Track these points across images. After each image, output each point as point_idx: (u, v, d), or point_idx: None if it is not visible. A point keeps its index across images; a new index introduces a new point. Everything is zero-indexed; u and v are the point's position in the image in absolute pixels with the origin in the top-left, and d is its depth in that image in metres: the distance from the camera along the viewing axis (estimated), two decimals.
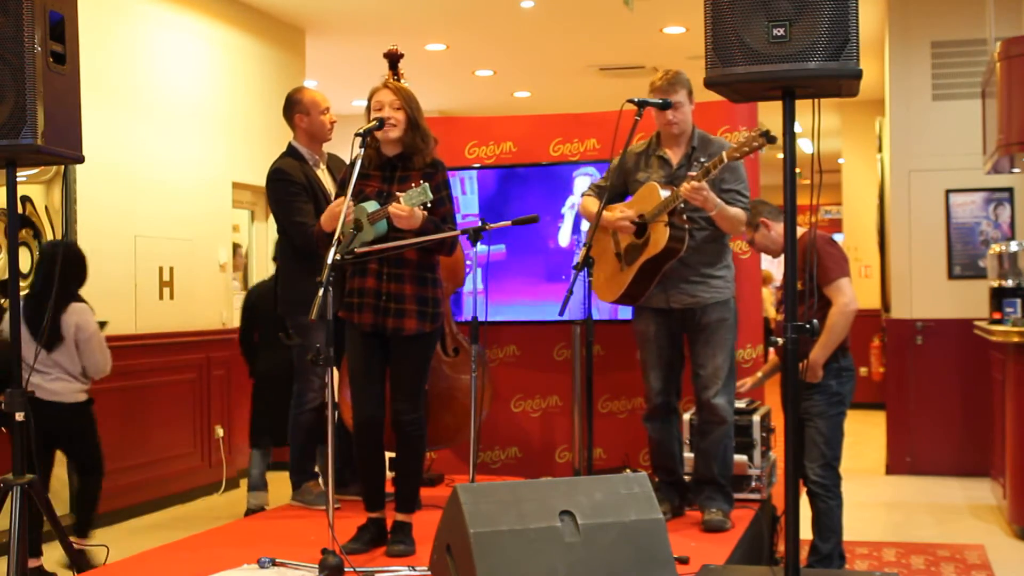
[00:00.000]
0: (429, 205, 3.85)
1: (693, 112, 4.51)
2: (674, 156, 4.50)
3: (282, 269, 5.04)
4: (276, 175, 4.89)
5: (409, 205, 3.81)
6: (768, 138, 3.97)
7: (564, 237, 5.59)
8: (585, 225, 4.29)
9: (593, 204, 4.54)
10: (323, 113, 5.02)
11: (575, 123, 5.84)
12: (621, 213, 4.45)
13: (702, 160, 4.28)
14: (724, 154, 4.13)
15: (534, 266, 5.65)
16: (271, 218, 8.67)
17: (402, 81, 5.12)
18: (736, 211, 4.37)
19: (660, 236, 4.32)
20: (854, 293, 4.70)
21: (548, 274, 5.59)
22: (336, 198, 4.32)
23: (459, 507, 3.00)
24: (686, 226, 4.34)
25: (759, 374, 5.12)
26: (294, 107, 5.04)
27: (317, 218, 4.74)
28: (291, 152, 5.01)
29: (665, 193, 4.32)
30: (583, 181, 5.48)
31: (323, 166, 5.05)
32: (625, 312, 5.34)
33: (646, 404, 4.64)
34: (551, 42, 9.74)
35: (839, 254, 4.78)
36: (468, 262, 5.24)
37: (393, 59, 5.18)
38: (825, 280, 4.64)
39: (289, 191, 4.83)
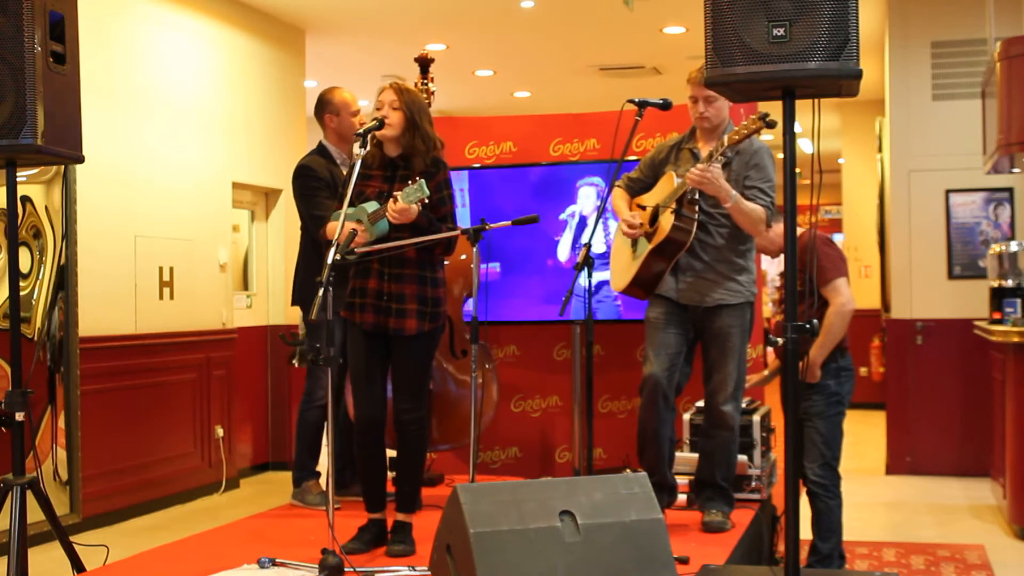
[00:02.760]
0: (427, 201, 3.86)
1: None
2: (704, 150, 4.37)
3: (301, 264, 5.12)
4: (302, 171, 5.01)
5: (406, 202, 3.83)
6: (767, 122, 3.94)
7: (563, 251, 5.48)
8: (586, 237, 4.27)
9: (621, 198, 4.54)
10: (353, 114, 5.14)
11: (575, 123, 5.84)
12: (630, 212, 4.44)
13: (728, 153, 4.18)
14: (725, 137, 4.09)
15: (530, 287, 5.54)
16: (271, 218, 8.72)
17: (430, 85, 5.20)
18: (754, 207, 4.23)
19: (665, 224, 4.28)
20: (851, 293, 4.69)
21: (546, 296, 5.48)
22: (338, 196, 4.34)
23: (459, 507, 2.99)
24: (695, 216, 4.25)
25: (765, 372, 5.12)
26: (325, 107, 5.14)
27: None
28: (320, 151, 5.12)
29: (678, 181, 4.28)
30: (588, 192, 5.43)
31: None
32: (625, 312, 5.35)
33: (640, 387, 4.44)
34: (551, 42, 9.73)
35: (836, 254, 4.77)
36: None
37: (424, 63, 5.32)
38: (822, 280, 4.63)
39: (311, 185, 4.93)
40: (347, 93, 5.18)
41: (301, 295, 5.07)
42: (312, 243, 4.93)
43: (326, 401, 5.00)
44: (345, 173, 4.99)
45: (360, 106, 5.22)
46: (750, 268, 4.46)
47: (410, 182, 3.89)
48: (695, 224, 4.26)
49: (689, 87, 4.37)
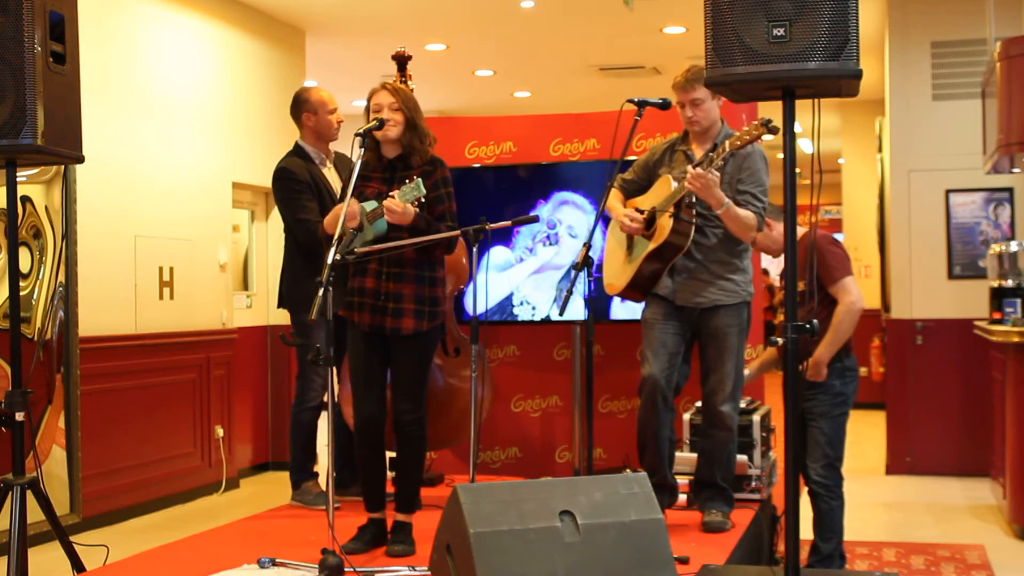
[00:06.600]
0: (423, 200, 3.85)
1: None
2: (698, 152, 4.37)
3: (286, 267, 5.09)
4: (281, 174, 4.95)
5: (403, 200, 3.82)
6: (770, 128, 3.93)
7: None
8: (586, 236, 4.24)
9: (616, 198, 4.52)
10: (330, 113, 5.07)
11: (575, 123, 5.83)
12: (627, 209, 4.44)
13: (726, 157, 4.16)
14: (727, 143, 4.08)
15: None
16: (271, 218, 8.71)
17: (409, 83, 5.15)
18: (745, 213, 4.23)
19: (663, 229, 4.27)
20: (860, 292, 4.70)
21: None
22: (338, 200, 4.34)
23: (459, 507, 3.00)
24: (693, 220, 4.25)
25: (748, 370, 5.12)
26: (302, 106, 5.08)
27: (322, 216, 4.77)
28: (297, 151, 5.06)
29: (675, 185, 4.28)
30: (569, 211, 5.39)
31: (330, 164, 5.10)
32: (625, 312, 5.34)
33: (639, 388, 4.45)
34: (551, 42, 9.73)
35: (842, 253, 4.78)
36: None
37: (401, 61, 5.24)
38: (830, 280, 4.63)
39: (293, 189, 4.88)
40: (324, 92, 5.12)
41: (290, 298, 5.04)
42: (298, 249, 4.91)
43: (317, 402, 5.01)
44: (324, 173, 4.99)
45: (337, 104, 5.16)
46: (746, 268, 4.47)
47: (407, 181, 3.89)
48: (693, 228, 4.27)
49: (675, 93, 4.37)
